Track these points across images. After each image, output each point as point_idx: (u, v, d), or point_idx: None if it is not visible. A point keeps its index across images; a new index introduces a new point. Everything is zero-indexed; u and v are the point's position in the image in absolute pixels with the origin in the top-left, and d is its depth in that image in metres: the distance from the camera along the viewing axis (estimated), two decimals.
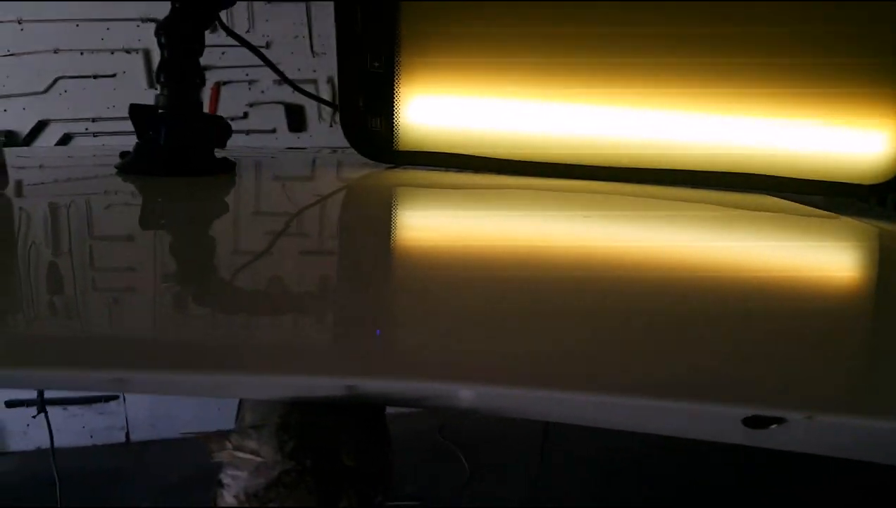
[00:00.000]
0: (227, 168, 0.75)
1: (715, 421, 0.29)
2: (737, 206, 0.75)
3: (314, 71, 2.49)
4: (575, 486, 1.74)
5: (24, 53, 2.25)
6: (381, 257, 0.51)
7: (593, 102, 0.77)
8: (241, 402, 0.38)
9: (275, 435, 0.32)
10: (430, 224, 0.66)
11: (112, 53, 2.30)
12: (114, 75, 2.30)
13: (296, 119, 2.51)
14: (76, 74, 2.28)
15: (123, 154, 0.73)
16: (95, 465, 1.97)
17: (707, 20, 0.73)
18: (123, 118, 2.64)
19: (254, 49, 0.85)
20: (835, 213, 0.70)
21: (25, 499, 1.75)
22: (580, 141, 0.79)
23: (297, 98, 2.52)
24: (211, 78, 2.44)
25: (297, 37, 2.29)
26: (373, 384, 0.30)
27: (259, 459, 0.31)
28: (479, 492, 1.75)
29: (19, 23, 2.20)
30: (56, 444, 1.56)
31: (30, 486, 1.80)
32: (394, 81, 0.77)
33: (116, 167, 0.73)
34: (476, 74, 0.77)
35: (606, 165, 0.79)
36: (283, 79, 0.92)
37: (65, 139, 2.32)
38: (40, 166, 0.88)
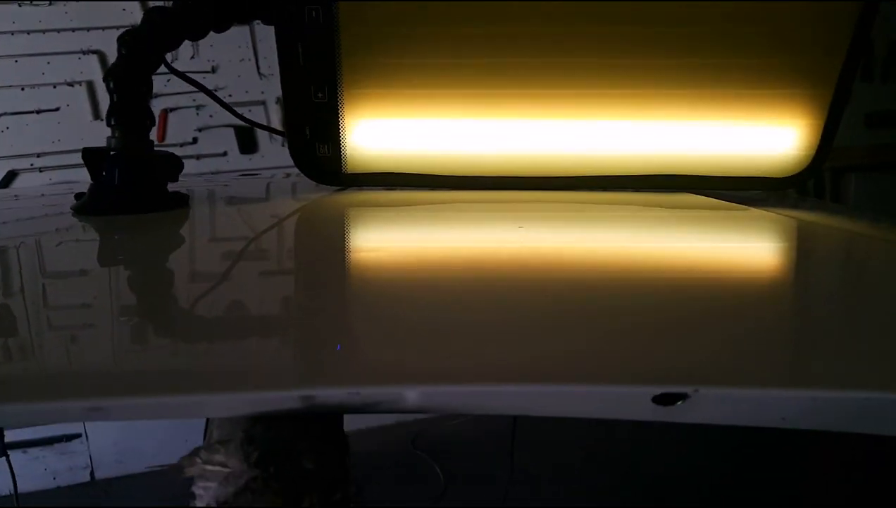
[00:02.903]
0: (181, 202, 0.78)
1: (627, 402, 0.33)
2: (659, 205, 0.81)
3: (262, 92, 2.50)
4: (545, 489, 1.78)
5: None
6: (338, 273, 0.55)
7: (521, 116, 0.82)
8: (207, 421, 0.42)
9: (240, 448, 0.35)
10: (382, 240, 0.70)
11: (54, 87, 2.29)
12: (57, 109, 2.28)
13: (247, 141, 2.52)
14: (18, 110, 2.26)
15: (79, 195, 0.76)
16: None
17: (623, 27, 0.78)
18: (69, 151, 2.62)
19: (201, 86, 0.87)
20: (747, 206, 0.77)
21: None
22: (511, 155, 0.84)
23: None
24: (158, 105, 2.45)
25: (242, 60, 2.31)
26: (324, 394, 0.34)
27: (227, 470, 0.35)
28: (454, 501, 1.78)
29: None
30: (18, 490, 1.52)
31: None
32: (338, 109, 0.81)
33: (73, 208, 0.75)
34: (414, 99, 0.81)
35: (538, 175, 0.85)
36: (234, 114, 0.94)
37: (10, 176, 2.29)
38: None
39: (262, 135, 2.55)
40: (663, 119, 0.82)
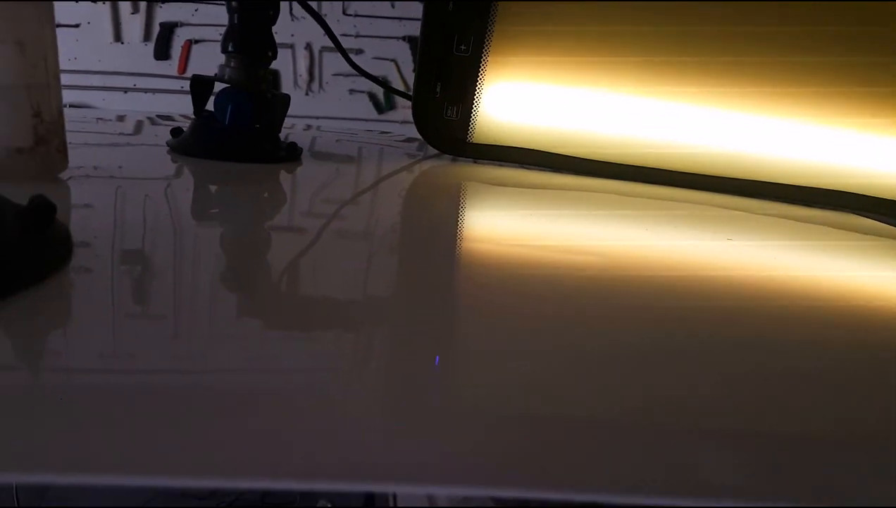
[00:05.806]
0: (295, 155, 0.66)
1: None
2: (841, 227, 0.71)
3: (292, 35, 2.36)
4: None
5: None
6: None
7: (693, 102, 0.72)
8: None
9: None
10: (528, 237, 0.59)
11: (77, 2, 2.13)
12: (77, 26, 2.13)
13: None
14: None
15: (175, 131, 0.64)
16: None
17: (826, 18, 0.68)
18: (85, 71, 2.43)
19: (327, 28, 0.75)
20: None
21: None
22: (671, 144, 0.74)
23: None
24: (183, 35, 2.29)
25: None
26: None
27: None
28: None
29: None
30: None
31: None
32: (479, 66, 0.70)
33: (169, 145, 0.63)
34: (568, 66, 0.71)
35: (702, 172, 0.75)
36: (355, 68, 0.82)
37: None
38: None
39: (286, 79, 2.41)
40: (838, 126, 0.72)
